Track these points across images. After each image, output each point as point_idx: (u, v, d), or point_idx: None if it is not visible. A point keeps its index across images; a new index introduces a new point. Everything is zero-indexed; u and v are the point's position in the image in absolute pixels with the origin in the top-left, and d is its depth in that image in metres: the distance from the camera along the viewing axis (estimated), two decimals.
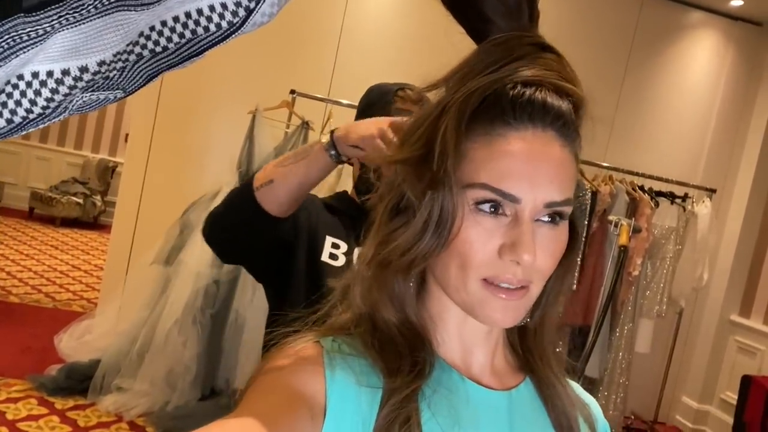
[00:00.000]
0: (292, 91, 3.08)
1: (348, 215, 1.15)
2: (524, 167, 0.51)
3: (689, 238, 3.62)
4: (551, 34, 0.56)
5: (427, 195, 0.53)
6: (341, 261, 1.09)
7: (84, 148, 7.63)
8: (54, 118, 0.39)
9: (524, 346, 0.64)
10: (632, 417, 3.90)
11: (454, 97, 0.54)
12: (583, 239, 3.30)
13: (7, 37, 0.35)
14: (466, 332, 0.59)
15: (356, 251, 1.09)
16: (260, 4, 0.42)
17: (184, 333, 2.89)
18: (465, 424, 0.55)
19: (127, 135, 3.82)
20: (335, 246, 1.10)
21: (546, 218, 0.53)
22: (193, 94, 3.39)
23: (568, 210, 0.54)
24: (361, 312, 0.58)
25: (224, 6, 0.41)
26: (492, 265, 0.52)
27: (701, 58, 4.11)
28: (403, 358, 0.54)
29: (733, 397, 3.63)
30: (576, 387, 0.67)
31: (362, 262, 0.58)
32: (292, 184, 0.97)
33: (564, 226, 0.55)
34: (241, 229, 1.04)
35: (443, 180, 0.52)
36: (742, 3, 3.90)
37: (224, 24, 0.42)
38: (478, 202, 0.52)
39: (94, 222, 7.20)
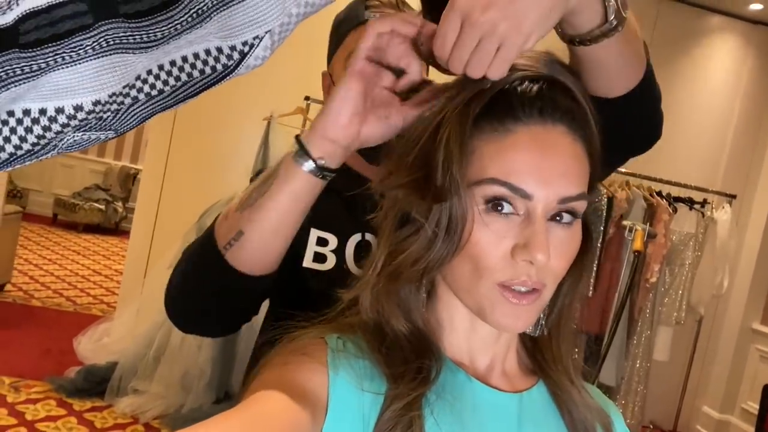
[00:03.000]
0: (307, 98, 3.11)
1: (343, 191, 0.76)
2: (535, 161, 0.50)
3: (708, 245, 3.56)
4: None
5: (434, 208, 0.52)
6: (330, 263, 0.84)
7: (107, 155, 7.77)
8: (42, 155, 0.39)
9: (538, 351, 0.62)
10: (651, 426, 3.84)
11: (450, 105, 0.53)
12: (599, 245, 3.27)
13: (0, 70, 0.35)
14: (475, 336, 0.58)
15: (352, 240, 0.85)
16: (253, 49, 0.44)
17: (199, 337, 2.92)
18: (470, 429, 0.54)
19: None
20: (322, 242, 0.85)
21: (559, 218, 0.52)
22: (210, 102, 3.43)
23: (582, 206, 0.53)
24: (368, 319, 0.57)
25: (219, 50, 0.43)
26: (506, 269, 0.51)
27: (720, 63, 4.05)
28: (409, 363, 0.53)
29: (754, 406, 3.55)
30: (595, 392, 0.65)
31: (371, 273, 0.56)
32: (268, 231, 0.65)
33: (577, 227, 0.54)
34: (221, 303, 0.73)
35: (449, 188, 0.51)
36: (761, 7, 3.85)
37: (219, 67, 0.43)
38: (488, 201, 0.51)
39: (115, 228, 7.31)
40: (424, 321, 0.57)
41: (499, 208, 0.51)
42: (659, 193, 3.46)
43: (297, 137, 0.63)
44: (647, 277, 3.40)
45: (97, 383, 3.05)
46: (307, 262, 0.83)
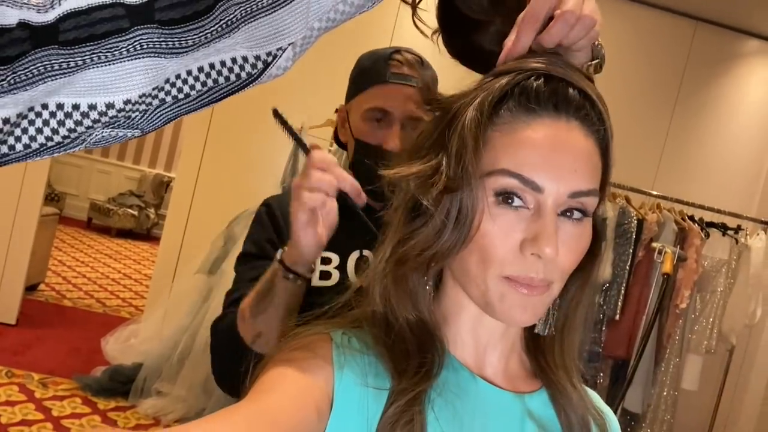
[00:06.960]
0: (338, 110, 3.15)
1: (343, 211, 0.87)
2: (547, 155, 0.51)
3: (742, 272, 3.46)
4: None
5: (444, 197, 0.53)
6: (335, 278, 0.94)
7: (142, 163, 7.97)
8: (71, 148, 0.41)
9: (540, 353, 0.62)
10: None
11: (467, 99, 0.54)
12: (627, 268, 3.21)
13: (39, 64, 0.37)
14: (481, 332, 0.58)
15: (352, 256, 0.96)
16: (276, 59, 0.46)
17: None
18: (471, 426, 0.54)
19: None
20: (326, 261, 0.95)
21: (569, 213, 0.52)
22: (242, 112, 3.51)
23: (593, 203, 0.53)
24: (376, 310, 0.57)
25: (245, 59, 0.45)
26: (514, 263, 0.51)
27: (757, 87, 3.97)
28: (411, 358, 0.53)
29: None
30: (594, 397, 0.65)
31: (379, 261, 0.57)
32: (280, 322, 0.82)
33: (588, 224, 0.54)
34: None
35: (461, 178, 0.52)
36: None
37: (243, 75, 0.46)
38: (498, 194, 0.51)
39: (146, 234, 7.47)
40: (430, 313, 0.57)
41: (510, 200, 0.51)
42: (691, 218, 3.39)
43: (281, 262, 0.79)
44: (677, 303, 3.32)
45: (122, 383, 3.11)
46: (315, 281, 0.92)
